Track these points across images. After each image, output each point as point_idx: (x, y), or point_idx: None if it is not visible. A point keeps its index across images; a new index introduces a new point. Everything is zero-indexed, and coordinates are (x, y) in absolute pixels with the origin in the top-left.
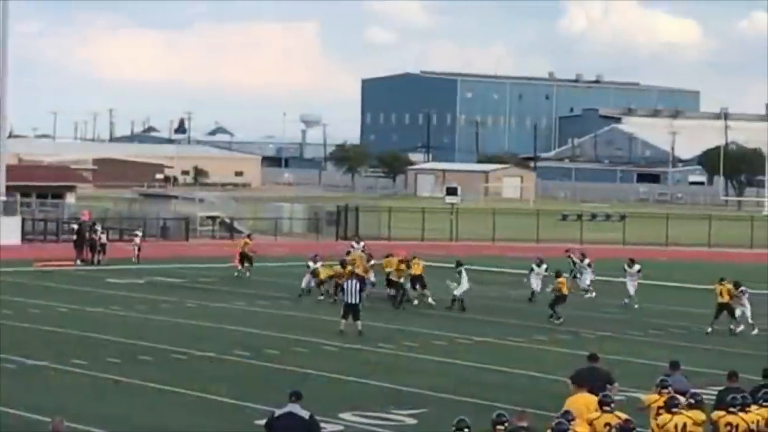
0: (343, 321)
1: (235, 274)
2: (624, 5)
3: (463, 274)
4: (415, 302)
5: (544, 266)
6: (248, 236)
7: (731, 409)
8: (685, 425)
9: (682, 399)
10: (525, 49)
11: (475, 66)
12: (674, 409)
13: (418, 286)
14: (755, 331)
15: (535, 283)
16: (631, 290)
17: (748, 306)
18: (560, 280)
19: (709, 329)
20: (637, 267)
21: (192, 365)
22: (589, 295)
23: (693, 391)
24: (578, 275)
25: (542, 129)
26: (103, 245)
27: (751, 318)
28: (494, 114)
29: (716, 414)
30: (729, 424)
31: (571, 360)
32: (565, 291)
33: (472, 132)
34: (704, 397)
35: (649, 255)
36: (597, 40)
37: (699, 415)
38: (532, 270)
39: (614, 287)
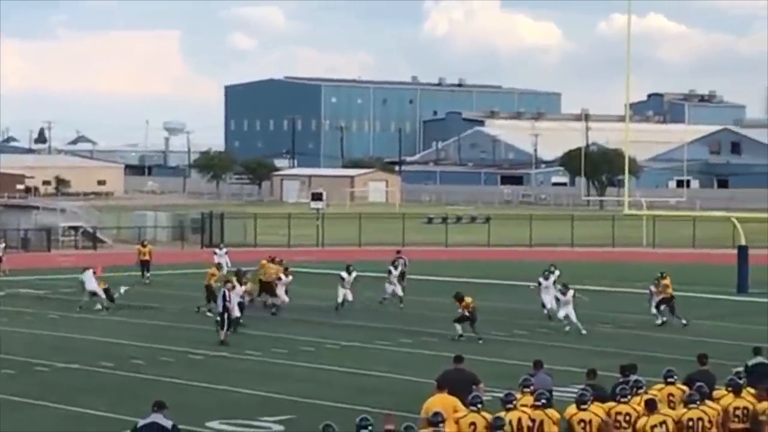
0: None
1: (142, 281)
2: (485, 9)
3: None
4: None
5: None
6: (142, 243)
7: (582, 406)
8: (519, 420)
9: (518, 395)
10: (388, 53)
11: (338, 71)
12: (509, 405)
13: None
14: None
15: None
16: (573, 316)
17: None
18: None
19: (684, 321)
20: (571, 293)
21: (56, 377)
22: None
23: (540, 391)
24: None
25: (406, 133)
26: None
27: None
28: (358, 119)
29: (568, 412)
30: (582, 420)
31: (438, 362)
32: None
33: (336, 137)
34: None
35: (514, 256)
36: (459, 44)
37: (554, 413)
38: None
39: (477, 288)
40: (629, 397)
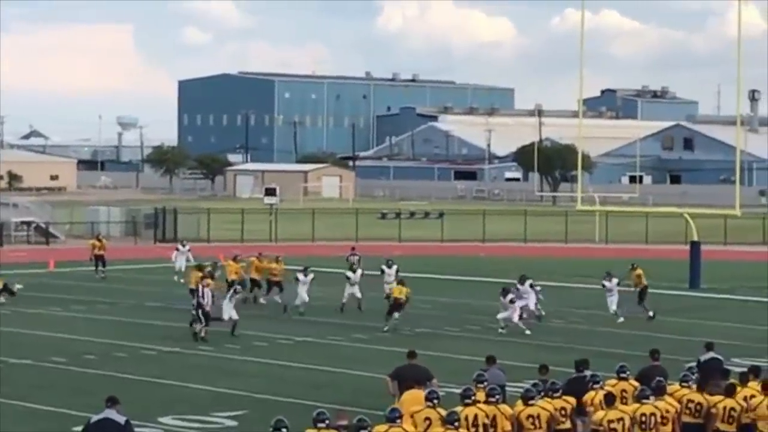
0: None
1: (97, 276)
2: (439, 5)
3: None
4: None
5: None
6: (97, 237)
7: (529, 402)
8: (476, 417)
9: (473, 390)
10: (342, 49)
11: (292, 66)
12: (467, 401)
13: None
14: (621, 319)
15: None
16: (514, 319)
17: (616, 295)
18: (395, 287)
19: (651, 313)
20: (511, 296)
21: (9, 373)
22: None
23: (493, 386)
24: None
25: (360, 128)
26: None
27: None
28: (312, 114)
29: (516, 409)
30: (530, 416)
31: (391, 357)
32: (401, 297)
33: (290, 132)
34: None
35: (467, 251)
36: (413, 40)
37: (506, 409)
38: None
39: (431, 283)
40: (560, 392)
